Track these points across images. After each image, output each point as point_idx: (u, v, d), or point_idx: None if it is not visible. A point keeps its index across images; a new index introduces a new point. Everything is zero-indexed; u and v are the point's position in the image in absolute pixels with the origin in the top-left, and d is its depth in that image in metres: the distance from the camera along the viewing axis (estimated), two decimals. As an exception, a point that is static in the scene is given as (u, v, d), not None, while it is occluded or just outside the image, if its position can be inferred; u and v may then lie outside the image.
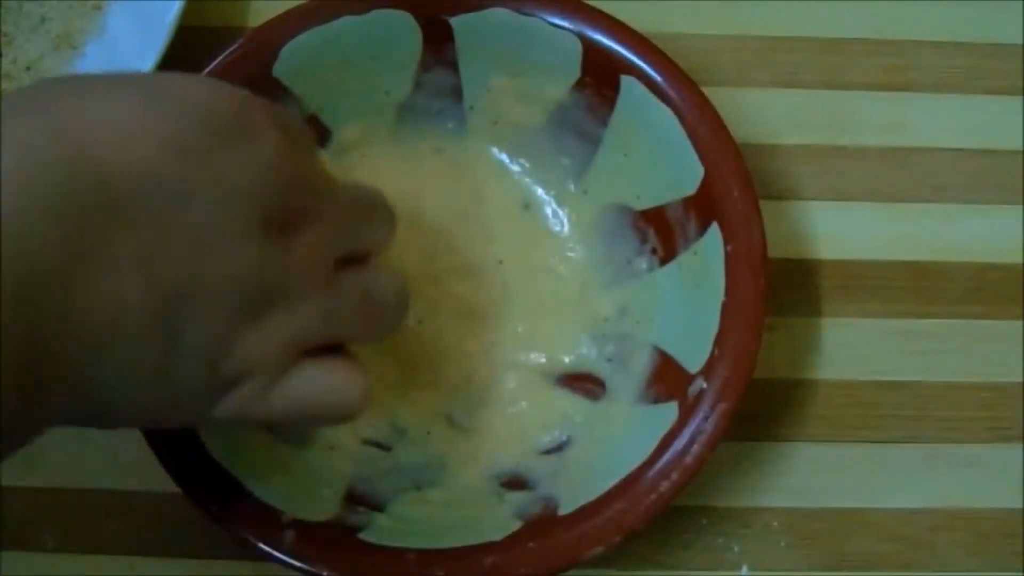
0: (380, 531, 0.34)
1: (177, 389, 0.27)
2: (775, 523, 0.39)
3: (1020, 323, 0.41)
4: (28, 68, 0.41)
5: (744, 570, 0.38)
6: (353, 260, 0.31)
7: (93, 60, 0.40)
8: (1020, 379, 0.41)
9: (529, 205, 0.41)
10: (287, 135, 0.28)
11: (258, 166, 0.26)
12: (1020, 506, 0.39)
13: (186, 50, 0.39)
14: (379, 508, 0.36)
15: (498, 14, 0.37)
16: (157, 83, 0.27)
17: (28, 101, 0.25)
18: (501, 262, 0.40)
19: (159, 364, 0.26)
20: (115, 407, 0.26)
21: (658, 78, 0.37)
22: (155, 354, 0.25)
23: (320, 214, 0.29)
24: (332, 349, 0.30)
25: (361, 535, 0.34)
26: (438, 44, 0.38)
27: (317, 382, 0.29)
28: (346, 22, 0.37)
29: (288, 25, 0.37)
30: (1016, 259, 0.42)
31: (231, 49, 0.37)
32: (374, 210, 0.33)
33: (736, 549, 0.39)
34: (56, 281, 0.23)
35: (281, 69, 0.37)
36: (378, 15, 0.37)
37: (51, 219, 0.23)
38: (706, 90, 0.37)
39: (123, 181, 0.24)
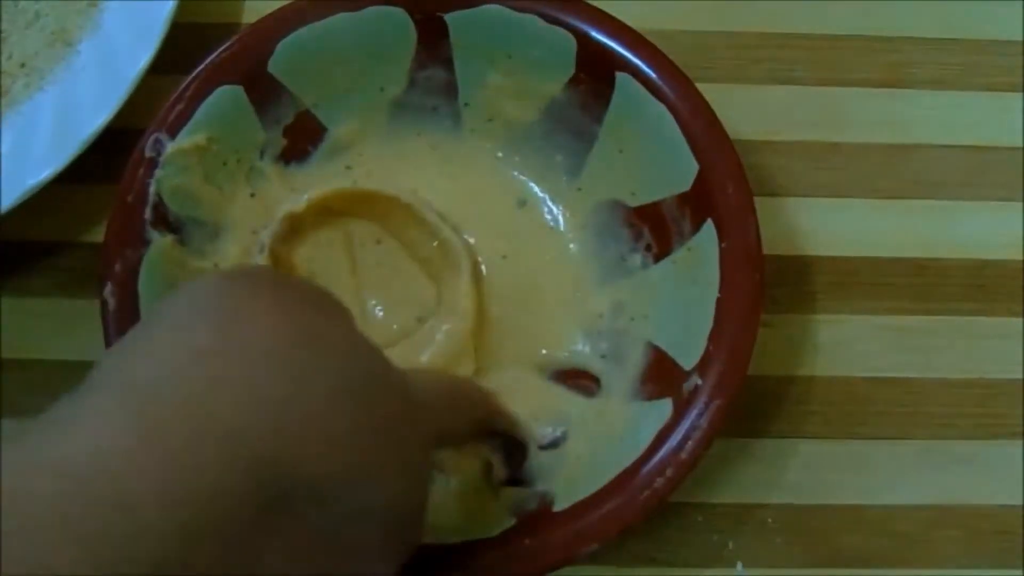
0: (375, 528, 0.34)
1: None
2: (770, 520, 0.39)
3: (1017, 319, 0.41)
4: (23, 64, 0.41)
5: (739, 567, 0.38)
6: None
7: (88, 57, 0.40)
8: (1015, 375, 0.41)
9: (525, 202, 0.41)
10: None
11: (424, 429, 0.27)
12: (1016, 503, 0.39)
13: (180, 47, 0.39)
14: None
15: (493, 11, 0.37)
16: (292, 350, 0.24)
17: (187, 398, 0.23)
18: (505, 257, 0.40)
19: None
20: None
21: (653, 75, 0.37)
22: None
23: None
24: None
25: (356, 532, 0.34)
26: (433, 41, 0.38)
27: None
28: (341, 19, 0.37)
29: (284, 22, 0.37)
30: (1013, 255, 0.42)
31: (227, 45, 0.37)
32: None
33: (731, 546, 0.38)
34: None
35: (276, 65, 0.37)
36: (373, 12, 0.38)
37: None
38: (701, 87, 0.37)
39: (301, 482, 0.23)
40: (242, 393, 0.23)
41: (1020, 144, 0.43)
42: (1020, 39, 0.45)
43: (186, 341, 0.24)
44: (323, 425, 0.24)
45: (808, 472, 0.39)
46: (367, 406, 0.25)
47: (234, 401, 0.23)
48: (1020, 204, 0.43)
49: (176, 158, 0.36)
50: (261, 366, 0.23)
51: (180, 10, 0.39)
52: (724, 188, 0.36)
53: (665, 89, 0.37)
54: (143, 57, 0.39)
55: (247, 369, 0.23)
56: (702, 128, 0.36)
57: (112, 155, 0.37)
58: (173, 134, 0.36)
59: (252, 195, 0.39)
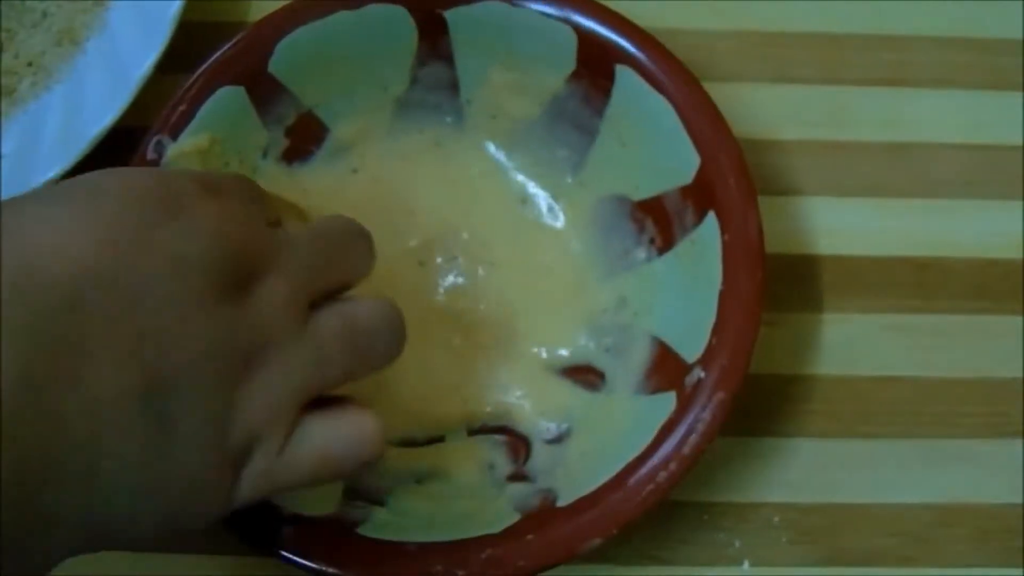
0: (379, 525, 0.34)
1: (189, 479, 0.27)
2: (776, 518, 0.39)
3: (1020, 318, 0.41)
4: (29, 64, 0.41)
5: (745, 565, 0.38)
6: (332, 296, 0.30)
7: (94, 56, 0.41)
8: (1019, 374, 0.40)
9: (526, 200, 0.41)
10: (223, 196, 0.29)
11: (197, 235, 0.27)
12: (1020, 501, 0.39)
13: (187, 46, 0.39)
14: (378, 502, 0.36)
15: (492, 7, 0.38)
16: (79, 185, 0.27)
17: None
18: (508, 253, 0.40)
19: (161, 454, 0.26)
20: (127, 515, 0.26)
21: (652, 66, 0.37)
22: (154, 444, 0.26)
23: (277, 263, 0.29)
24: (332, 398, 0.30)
25: (360, 529, 0.34)
26: (433, 38, 0.39)
27: (327, 434, 0.29)
28: (341, 17, 0.37)
29: (284, 21, 0.37)
30: (1016, 254, 0.42)
31: (227, 46, 0.37)
32: (344, 242, 0.32)
33: (737, 544, 0.38)
34: (37, 398, 0.23)
35: (277, 65, 0.37)
36: (373, 10, 0.38)
37: (21, 338, 0.23)
38: (704, 85, 0.37)
39: (74, 283, 0.25)
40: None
41: (1022, 143, 0.43)
42: (1023, 38, 0.45)
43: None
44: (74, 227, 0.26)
45: (813, 471, 0.39)
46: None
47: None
48: (1022, 203, 0.43)
49: (178, 160, 0.36)
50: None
51: (187, 9, 0.40)
52: (725, 180, 0.36)
53: (665, 81, 0.37)
54: (150, 56, 0.39)
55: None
56: (703, 120, 0.36)
57: (119, 155, 0.37)
58: (175, 135, 0.36)
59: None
